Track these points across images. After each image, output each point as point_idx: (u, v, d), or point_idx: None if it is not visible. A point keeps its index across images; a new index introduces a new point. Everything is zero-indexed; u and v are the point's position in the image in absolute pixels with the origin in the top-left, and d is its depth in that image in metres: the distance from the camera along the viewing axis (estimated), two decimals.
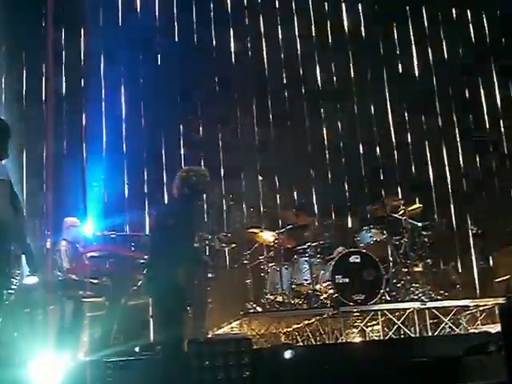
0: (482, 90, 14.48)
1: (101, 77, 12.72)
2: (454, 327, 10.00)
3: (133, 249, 9.95)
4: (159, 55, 13.18)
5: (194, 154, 12.81)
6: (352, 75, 14.06)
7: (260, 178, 12.85)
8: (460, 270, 12.99)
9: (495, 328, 9.26)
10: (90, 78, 12.60)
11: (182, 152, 12.86)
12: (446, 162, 13.97)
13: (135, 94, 12.94)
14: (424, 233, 10.81)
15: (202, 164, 12.63)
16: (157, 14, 13.34)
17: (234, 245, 10.50)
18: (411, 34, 14.47)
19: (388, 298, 10.05)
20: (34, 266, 6.84)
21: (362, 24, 14.31)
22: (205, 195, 8.11)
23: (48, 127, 11.94)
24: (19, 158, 11.98)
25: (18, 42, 12.26)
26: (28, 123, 12.12)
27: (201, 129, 13.05)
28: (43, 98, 12.20)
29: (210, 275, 9.33)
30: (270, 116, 13.46)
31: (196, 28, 13.40)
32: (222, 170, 12.90)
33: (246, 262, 10.52)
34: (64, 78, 12.43)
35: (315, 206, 13.08)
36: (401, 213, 10.72)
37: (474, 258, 13.30)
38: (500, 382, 6.41)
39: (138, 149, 12.72)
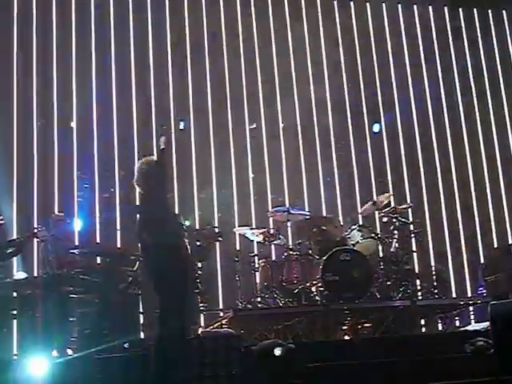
0: None
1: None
2: (444, 325, 10.00)
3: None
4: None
5: (183, 150, 12.75)
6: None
7: (252, 175, 12.84)
8: (451, 268, 13.01)
9: (486, 326, 9.25)
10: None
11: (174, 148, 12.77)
12: (437, 160, 13.93)
13: (125, 92, 12.86)
14: (415, 230, 10.84)
15: (194, 161, 12.68)
16: None
17: (220, 239, 10.49)
18: None
19: (378, 296, 10.05)
20: None
21: None
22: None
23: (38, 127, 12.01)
24: (9, 156, 11.92)
25: None
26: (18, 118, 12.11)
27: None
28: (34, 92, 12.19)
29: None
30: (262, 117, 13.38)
31: None
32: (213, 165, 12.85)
33: (236, 258, 10.48)
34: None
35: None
36: (391, 211, 10.71)
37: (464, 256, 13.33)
38: (491, 380, 6.43)
39: (128, 145, 12.65)
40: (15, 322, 8.83)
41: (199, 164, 12.76)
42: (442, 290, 10.73)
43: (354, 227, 10.69)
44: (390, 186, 13.26)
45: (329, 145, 13.48)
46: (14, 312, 8.71)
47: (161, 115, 12.85)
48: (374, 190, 13.02)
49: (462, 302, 10.62)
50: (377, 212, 11.25)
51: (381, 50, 14.12)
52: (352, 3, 14.22)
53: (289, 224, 11.03)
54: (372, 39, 14.10)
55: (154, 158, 7.37)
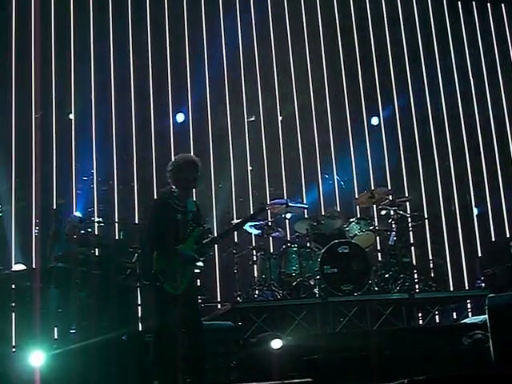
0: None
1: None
2: (441, 318, 10.02)
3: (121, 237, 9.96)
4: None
5: (183, 144, 12.76)
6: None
7: (250, 168, 12.83)
8: (448, 261, 13.04)
9: (483, 319, 9.28)
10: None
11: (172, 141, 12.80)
12: (435, 153, 13.92)
13: (124, 85, 12.86)
14: (413, 223, 10.85)
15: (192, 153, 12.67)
16: None
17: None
18: None
19: (376, 289, 10.07)
20: None
21: None
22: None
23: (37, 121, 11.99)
24: (7, 148, 11.92)
25: None
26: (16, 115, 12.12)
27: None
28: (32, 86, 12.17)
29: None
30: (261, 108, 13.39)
31: None
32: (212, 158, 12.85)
33: (234, 251, 10.49)
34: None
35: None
36: (390, 203, 10.71)
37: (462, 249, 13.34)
38: (488, 373, 6.45)
39: (127, 138, 12.67)
40: (14, 314, 8.83)
41: (197, 157, 12.73)
42: (440, 283, 10.76)
43: (352, 220, 10.70)
44: (388, 178, 13.34)
45: (328, 138, 13.50)
46: (13, 304, 8.70)
47: (159, 108, 12.87)
48: (372, 181, 13.03)
49: (459, 295, 10.64)
50: (375, 205, 11.26)
51: (379, 42, 14.13)
52: None
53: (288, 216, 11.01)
54: (370, 30, 14.11)
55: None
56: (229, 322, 8.56)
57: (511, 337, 6.33)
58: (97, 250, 9.63)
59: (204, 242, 7.19)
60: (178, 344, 6.85)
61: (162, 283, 6.87)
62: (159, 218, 7.14)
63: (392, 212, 10.64)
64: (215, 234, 10.39)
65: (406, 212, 11.00)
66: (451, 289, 12.14)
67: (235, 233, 11.30)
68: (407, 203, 11.41)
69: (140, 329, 9.03)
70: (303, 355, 7.61)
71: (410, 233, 11.09)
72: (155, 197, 7.76)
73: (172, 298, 6.91)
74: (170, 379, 6.79)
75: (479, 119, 14.17)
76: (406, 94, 14.01)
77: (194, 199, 7.63)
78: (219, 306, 11.01)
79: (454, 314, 10.94)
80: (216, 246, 10.65)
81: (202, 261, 7.36)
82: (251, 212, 8.13)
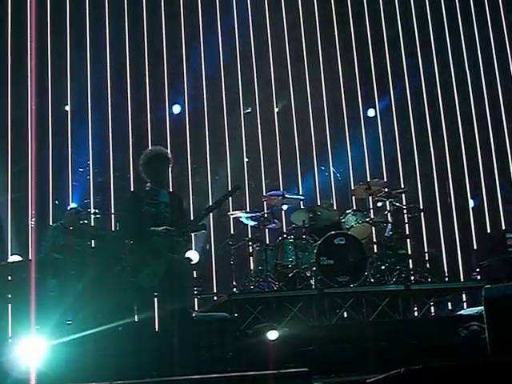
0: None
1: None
2: (437, 309, 10.03)
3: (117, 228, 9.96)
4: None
5: (180, 135, 12.78)
6: None
7: (246, 159, 12.86)
8: (444, 253, 13.05)
9: (479, 310, 9.30)
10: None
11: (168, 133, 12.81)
12: (431, 146, 13.91)
13: (120, 77, 12.85)
14: (409, 215, 10.86)
15: (188, 146, 12.69)
16: None
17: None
18: None
19: (372, 280, 10.07)
20: None
21: None
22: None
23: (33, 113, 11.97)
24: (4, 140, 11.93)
25: None
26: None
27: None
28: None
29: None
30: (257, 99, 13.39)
31: None
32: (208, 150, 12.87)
33: (230, 242, 10.49)
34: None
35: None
36: (386, 195, 10.71)
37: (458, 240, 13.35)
38: (484, 364, 6.46)
39: (123, 130, 12.67)
40: (10, 304, 8.83)
41: (194, 148, 12.76)
42: (436, 275, 10.77)
43: (348, 211, 10.70)
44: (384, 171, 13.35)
45: (323, 128, 13.50)
46: (9, 295, 8.71)
47: (155, 99, 12.87)
48: (368, 174, 13.03)
49: (455, 287, 10.66)
50: (371, 196, 11.26)
51: (376, 35, 14.12)
52: None
53: (284, 208, 11.02)
54: (367, 24, 14.10)
55: None
56: (225, 314, 8.56)
57: (507, 328, 6.33)
58: (93, 241, 9.64)
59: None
60: (166, 336, 6.89)
61: (135, 277, 6.95)
62: (129, 213, 7.31)
63: (388, 204, 10.64)
64: (210, 228, 10.50)
65: (401, 204, 11.01)
66: (447, 280, 12.14)
67: (231, 224, 11.39)
68: (403, 195, 11.41)
69: (136, 320, 9.04)
70: (299, 346, 7.63)
71: (406, 225, 11.09)
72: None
73: (147, 291, 6.97)
74: (165, 371, 6.81)
75: (474, 108, 14.11)
76: (401, 77, 13.99)
77: (178, 191, 7.71)
78: (215, 298, 11.01)
79: (449, 305, 10.96)
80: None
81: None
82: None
